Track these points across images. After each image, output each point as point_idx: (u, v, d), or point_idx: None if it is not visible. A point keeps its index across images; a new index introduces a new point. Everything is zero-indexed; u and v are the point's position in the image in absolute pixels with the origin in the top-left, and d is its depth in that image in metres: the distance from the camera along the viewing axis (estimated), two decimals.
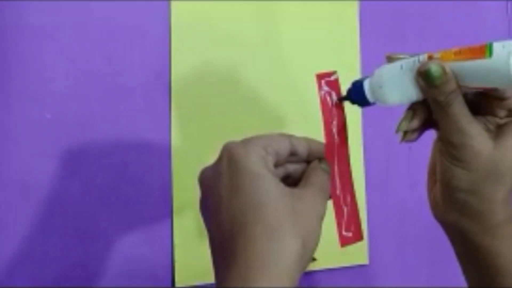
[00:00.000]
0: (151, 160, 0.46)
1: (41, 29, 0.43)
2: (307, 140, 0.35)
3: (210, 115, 0.49)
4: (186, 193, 0.47)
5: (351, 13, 0.58)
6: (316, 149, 0.35)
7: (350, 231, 0.39)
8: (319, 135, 0.56)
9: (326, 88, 0.40)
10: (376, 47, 0.60)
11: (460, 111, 0.33)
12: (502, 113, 0.34)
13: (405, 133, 0.40)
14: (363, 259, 0.56)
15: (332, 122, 0.40)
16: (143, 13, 0.47)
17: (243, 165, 0.31)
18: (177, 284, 0.46)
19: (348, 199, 0.38)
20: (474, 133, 0.33)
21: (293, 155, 0.34)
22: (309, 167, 0.34)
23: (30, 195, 0.42)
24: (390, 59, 0.37)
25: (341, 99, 0.37)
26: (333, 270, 0.55)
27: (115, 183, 0.45)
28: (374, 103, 0.38)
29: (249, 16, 0.52)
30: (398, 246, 0.59)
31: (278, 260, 0.29)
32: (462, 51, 0.32)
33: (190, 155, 0.48)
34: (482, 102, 0.35)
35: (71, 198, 0.43)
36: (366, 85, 0.37)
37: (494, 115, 0.35)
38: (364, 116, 0.58)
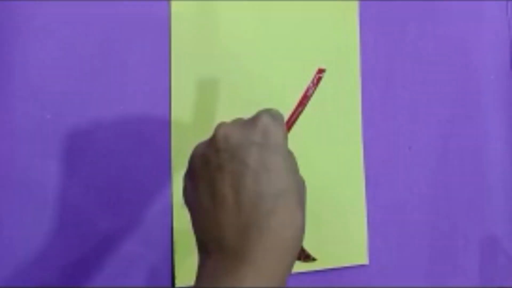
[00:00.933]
0: (151, 160, 0.46)
1: (41, 29, 0.43)
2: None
3: (210, 115, 0.49)
4: None
5: (351, 13, 0.58)
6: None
7: None
8: (317, 134, 0.56)
9: (314, 82, 0.46)
10: (376, 47, 0.60)
11: None
12: None
13: None
14: (363, 259, 0.57)
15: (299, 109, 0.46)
16: (143, 13, 0.47)
17: (280, 145, 0.32)
18: (177, 284, 0.46)
19: None
20: None
21: None
22: None
23: (30, 195, 0.42)
24: None
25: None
26: (333, 270, 0.55)
27: (115, 183, 0.45)
28: None
29: (249, 16, 0.52)
30: (398, 246, 0.59)
31: (293, 247, 0.30)
32: None
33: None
34: None
35: (71, 198, 0.43)
36: None
37: None
38: (364, 116, 0.58)
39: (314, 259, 0.53)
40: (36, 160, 0.42)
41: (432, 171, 0.63)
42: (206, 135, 0.34)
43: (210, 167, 0.31)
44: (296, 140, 0.54)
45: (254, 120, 0.33)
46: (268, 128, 0.32)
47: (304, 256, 0.52)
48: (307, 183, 0.53)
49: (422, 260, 0.61)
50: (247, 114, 0.51)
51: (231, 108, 0.51)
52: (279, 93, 0.53)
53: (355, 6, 0.58)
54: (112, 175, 0.45)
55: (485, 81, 0.68)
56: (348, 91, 0.57)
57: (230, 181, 0.30)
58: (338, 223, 0.55)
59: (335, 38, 0.57)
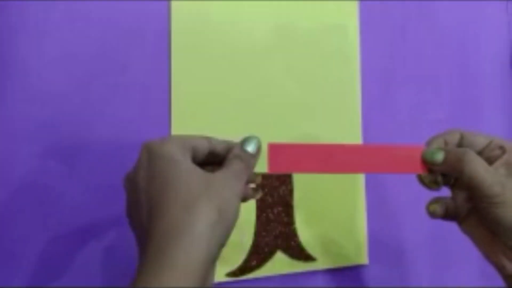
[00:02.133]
0: None
1: (41, 29, 0.43)
2: (227, 142, 0.37)
3: (210, 115, 0.49)
4: None
5: (351, 13, 0.58)
6: (236, 149, 0.37)
7: None
8: (317, 135, 0.56)
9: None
10: (376, 47, 0.60)
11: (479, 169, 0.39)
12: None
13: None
14: (363, 259, 0.57)
15: None
16: (143, 13, 0.47)
17: (159, 153, 0.34)
18: None
19: None
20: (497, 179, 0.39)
21: (213, 155, 0.37)
22: (227, 155, 0.37)
23: (30, 195, 0.42)
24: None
25: None
26: (333, 270, 0.55)
27: (115, 183, 0.45)
28: None
29: (248, 16, 0.52)
30: (398, 246, 0.59)
31: (193, 228, 0.32)
32: None
33: None
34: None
35: (71, 198, 0.43)
36: None
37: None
38: (364, 116, 0.58)
39: (314, 259, 0.53)
40: (36, 160, 0.42)
41: None
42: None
43: (129, 208, 0.35)
44: (296, 140, 0.54)
45: (140, 150, 0.36)
46: (149, 145, 0.35)
47: (305, 257, 0.52)
48: (307, 184, 0.53)
49: (422, 260, 0.61)
50: (247, 112, 0.51)
51: (231, 107, 0.51)
52: (278, 92, 0.53)
53: (355, 6, 0.58)
54: (112, 175, 0.45)
55: (485, 81, 0.68)
56: (348, 91, 0.57)
57: (134, 211, 0.34)
58: (338, 223, 0.55)
59: (335, 38, 0.57)
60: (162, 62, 0.48)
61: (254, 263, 0.50)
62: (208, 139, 0.37)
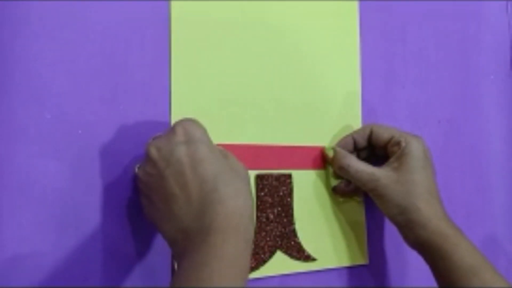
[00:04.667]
0: None
1: (41, 29, 0.43)
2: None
3: (210, 115, 0.49)
4: None
5: (351, 13, 0.58)
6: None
7: None
8: (317, 134, 0.56)
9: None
10: (376, 47, 0.60)
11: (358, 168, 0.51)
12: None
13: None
14: (363, 259, 0.57)
15: None
16: (143, 13, 0.47)
17: (202, 139, 0.37)
18: None
19: None
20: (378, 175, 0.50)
21: None
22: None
23: (30, 195, 0.41)
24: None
25: None
26: (333, 270, 0.55)
27: (115, 183, 0.45)
28: None
29: (248, 16, 0.52)
30: (398, 246, 0.59)
31: (248, 214, 0.36)
32: None
33: None
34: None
35: (71, 198, 0.43)
36: None
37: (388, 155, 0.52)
38: (364, 116, 0.58)
39: (314, 259, 0.53)
40: (36, 160, 0.42)
41: None
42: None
43: (154, 179, 0.38)
44: (296, 140, 0.54)
45: (173, 126, 0.39)
46: (187, 128, 0.38)
47: (305, 257, 0.52)
48: (308, 182, 0.53)
49: (422, 260, 0.61)
50: (247, 113, 0.51)
51: (231, 108, 0.51)
52: (278, 92, 0.53)
53: (355, 6, 0.58)
54: (112, 175, 0.45)
55: (485, 81, 0.68)
56: (348, 90, 0.57)
57: (174, 181, 0.36)
58: (338, 223, 0.55)
59: (335, 38, 0.57)
60: (162, 62, 0.48)
61: (253, 263, 0.50)
62: None
